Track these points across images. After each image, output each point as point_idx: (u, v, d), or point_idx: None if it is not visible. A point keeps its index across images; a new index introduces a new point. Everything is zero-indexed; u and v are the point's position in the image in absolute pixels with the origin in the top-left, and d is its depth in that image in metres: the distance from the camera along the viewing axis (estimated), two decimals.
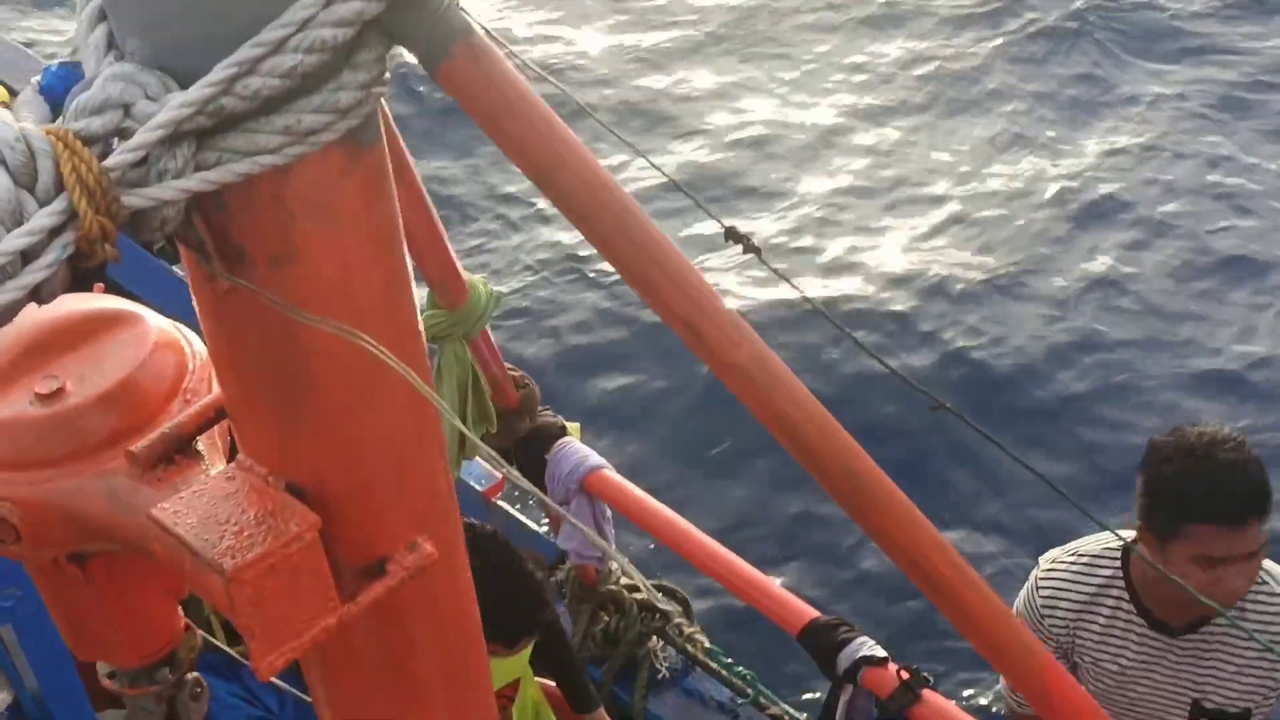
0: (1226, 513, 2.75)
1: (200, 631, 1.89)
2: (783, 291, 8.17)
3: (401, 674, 1.56)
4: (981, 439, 1.61)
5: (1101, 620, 3.13)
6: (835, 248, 8.88)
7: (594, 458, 3.93)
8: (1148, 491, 2.88)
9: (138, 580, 1.65)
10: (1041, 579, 3.21)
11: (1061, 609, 3.17)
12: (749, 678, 3.02)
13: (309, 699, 1.71)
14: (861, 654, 3.15)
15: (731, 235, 1.28)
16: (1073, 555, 3.21)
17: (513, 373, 3.99)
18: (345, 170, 1.17)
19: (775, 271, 1.30)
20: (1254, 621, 2.98)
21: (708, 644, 2.98)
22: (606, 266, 8.67)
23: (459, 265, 3.30)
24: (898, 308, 8.29)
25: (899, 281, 8.50)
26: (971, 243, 8.84)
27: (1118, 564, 3.14)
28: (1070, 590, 3.16)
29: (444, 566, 1.49)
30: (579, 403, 7.60)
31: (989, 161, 9.59)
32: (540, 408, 4.08)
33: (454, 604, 1.58)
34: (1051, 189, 9.12)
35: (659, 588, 5.16)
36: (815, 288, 8.29)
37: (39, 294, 1.01)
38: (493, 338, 3.67)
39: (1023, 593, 3.27)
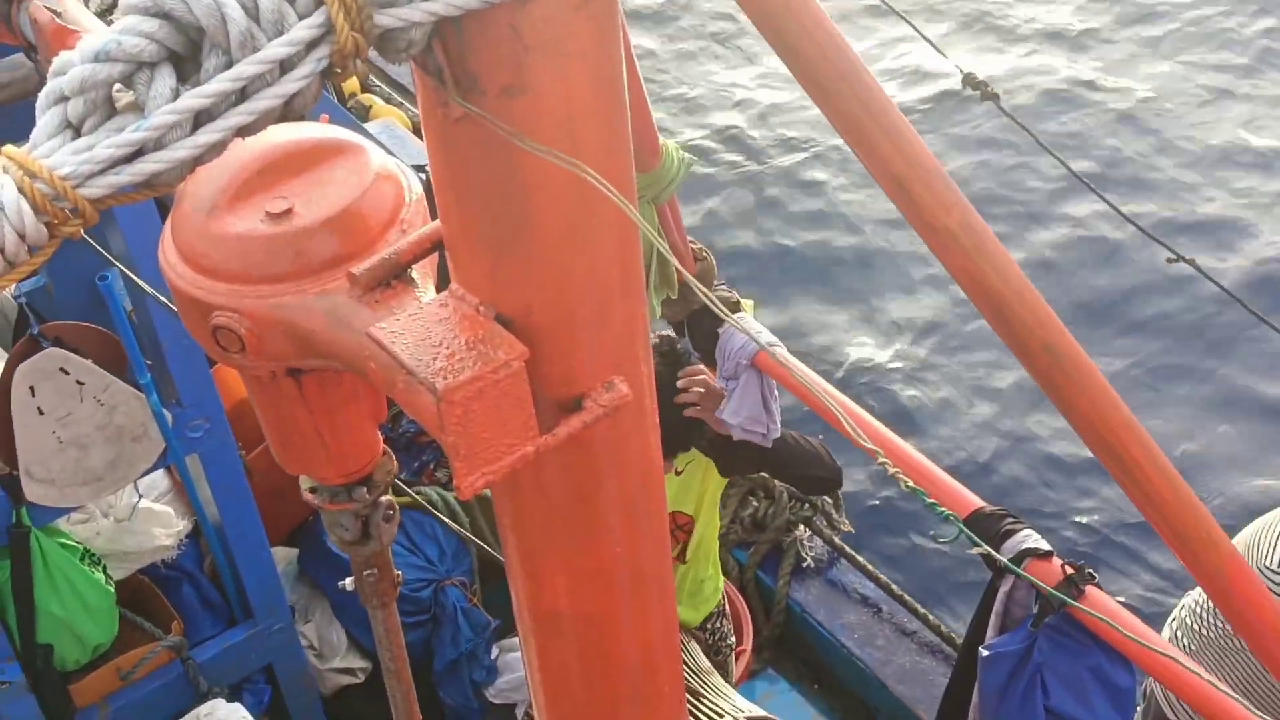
0: None
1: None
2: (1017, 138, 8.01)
3: (586, 508, 1.62)
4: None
5: None
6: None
7: (766, 334, 3.94)
8: None
9: (345, 400, 1.74)
10: None
11: None
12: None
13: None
14: (1026, 546, 3.12)
15: (969, 81, 1.26)
16: None
17: (692, 245, 4.01)
18: (579, 6, 1.19)
19: (1013, 119, 1.29)
20: None
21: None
22: (791, 153, 8.58)
23: (656, 128, 3.31)
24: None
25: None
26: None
27: None
28: None
29: (635, 408, 1.53)
30: (753, 280, 7.61)
31: None
32: (716, 282, 4.10)
33: (641, 445, 1.63)
34: None
35: None
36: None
37: (292, 104, 1.06)
38: (679, 206, 3.70)
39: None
